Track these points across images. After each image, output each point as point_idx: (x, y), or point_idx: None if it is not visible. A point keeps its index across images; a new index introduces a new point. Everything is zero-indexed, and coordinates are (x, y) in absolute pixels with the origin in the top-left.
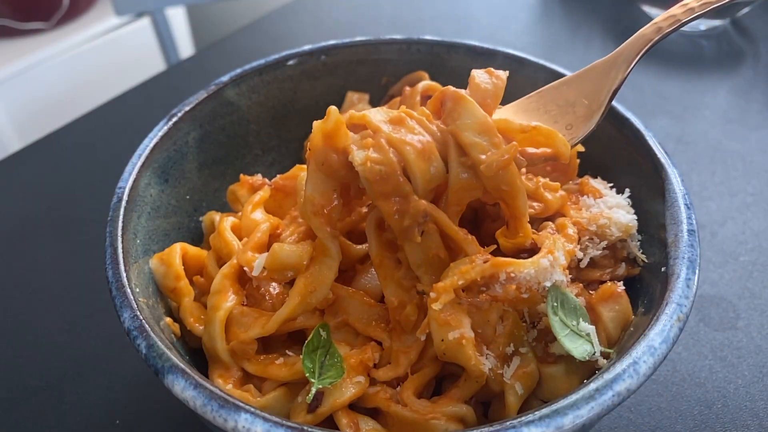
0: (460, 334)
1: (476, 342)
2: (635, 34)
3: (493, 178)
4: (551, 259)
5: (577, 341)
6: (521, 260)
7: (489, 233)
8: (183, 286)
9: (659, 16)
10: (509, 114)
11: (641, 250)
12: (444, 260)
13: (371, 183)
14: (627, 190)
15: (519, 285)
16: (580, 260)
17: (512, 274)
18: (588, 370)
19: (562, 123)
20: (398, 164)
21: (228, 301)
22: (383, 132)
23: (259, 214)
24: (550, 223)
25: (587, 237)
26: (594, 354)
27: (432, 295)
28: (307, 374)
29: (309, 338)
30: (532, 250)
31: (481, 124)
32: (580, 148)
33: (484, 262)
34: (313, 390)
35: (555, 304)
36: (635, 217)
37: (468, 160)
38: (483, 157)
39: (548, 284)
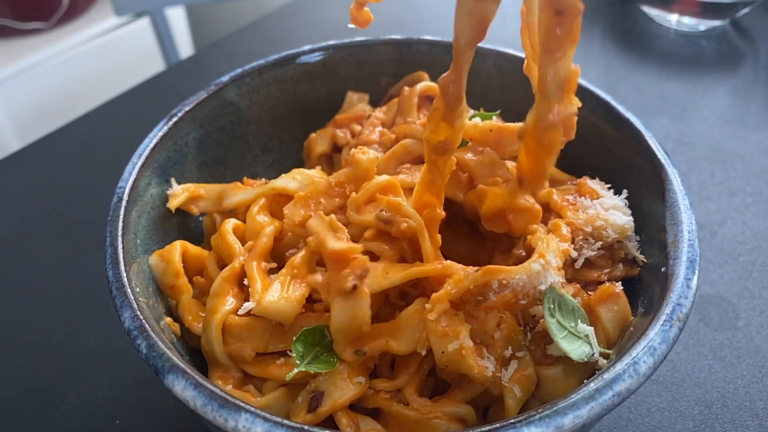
0: (460, 345)
1: (476, 346)
2: None
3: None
4: (543, 263)
5: (575, 343)
6: (512, 267)
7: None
8: (182, 283)
9: None
10: None
11: (640, 251)
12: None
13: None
14: (624, 191)
15: (515, 291)
16: (575, 260)
17: (504, 281)
18: (586, 371)
19: None
20: None
21: (226, 305)
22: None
23: (263, 217)
24: (538, 226)
25: (582, 237)
26: (593, 355)
27: (427, 306)
28: (294, 354)
29: (310, 328)
30: (530, 253)
31: (567, 76)
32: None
33: (476, 271)
34: (295, 370)
35: (552, 306)
36: (632, 219)
37: None
38: (550, 117)
39: (543, 287)
